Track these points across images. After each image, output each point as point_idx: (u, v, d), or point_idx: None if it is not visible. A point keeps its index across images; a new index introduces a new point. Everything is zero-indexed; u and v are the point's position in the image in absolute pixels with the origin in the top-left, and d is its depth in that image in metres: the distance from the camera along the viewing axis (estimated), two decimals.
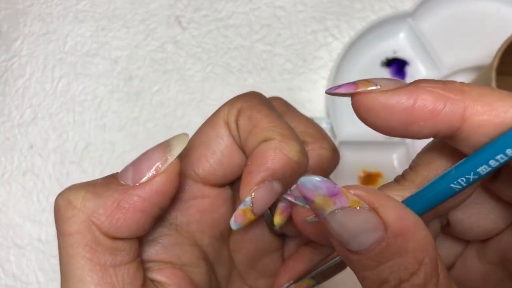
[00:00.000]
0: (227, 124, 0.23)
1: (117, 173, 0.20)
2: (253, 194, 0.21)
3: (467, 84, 0.17)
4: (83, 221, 0.19)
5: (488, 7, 0.44)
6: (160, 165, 0.20)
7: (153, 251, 0.22)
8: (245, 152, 0.22)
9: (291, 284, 0.23)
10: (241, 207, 0.21)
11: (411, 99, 0.16)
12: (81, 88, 0.45)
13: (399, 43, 0.44)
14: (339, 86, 0.18)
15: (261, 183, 0.21)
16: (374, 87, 0.17)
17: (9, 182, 0.43)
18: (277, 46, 0.45)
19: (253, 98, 0.23)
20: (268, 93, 0.43)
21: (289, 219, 0.23)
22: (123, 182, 0.20)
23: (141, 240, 0.21)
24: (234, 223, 0.21)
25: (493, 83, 0.34)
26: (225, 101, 0.46)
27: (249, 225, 0.22)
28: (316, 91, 0.44)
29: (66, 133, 0.44)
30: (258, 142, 0.21)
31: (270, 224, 0.25)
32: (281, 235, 0.26)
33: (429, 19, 0.44)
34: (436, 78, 0.42)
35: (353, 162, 0.42)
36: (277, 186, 0.21)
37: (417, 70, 0.44)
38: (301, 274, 0.23)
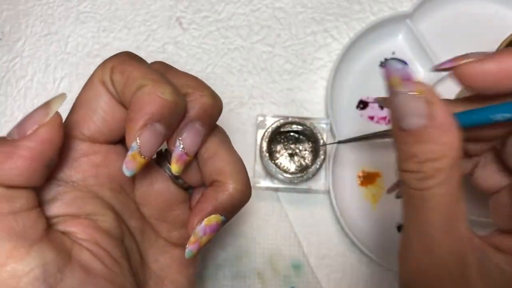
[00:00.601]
0: (103, 83, 0.24)
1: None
2: (138, 138, 0.22)
3: None
4: None
5: (486, 8, 0.45)
6: (42, 119, 0.21)
7: (54, 208, 0.23)
8: (125, 105, 0.24)
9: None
10: (129, 153, 0.22)
11: (506, 61, 0.22)
12: None
13: (397, 44, 0.45)
14: (443, 63, 0.23)
15: (144, 127, 0.22)
16: (471, 59, 0.22)
17: None
18: (277, 47, 0.45)
19: (123, 55, 0.24)
20: (268, 94, 0.44)
21: (187, 167, 0.25)
22: (9, 138, 0.21)
23: (40, 198, 0.23)
24: (126, 169, 0.23)
25: None
26: (225, 101, 0.46)
27: (142, 170, 0.24)
28: (316, 92, 0.44)
29: None
30: (134, 91, 0.22)
31: (174, 178, 0.27)
32: (187, 188, 0.27)
33: (428, 20, 0.44)
34: (434, 79, 0.43)
35: (352, 162, 0.42)
36: (159, 128, 0.22)
37: (416, 71, 0.44)
38: (209, 212, 0.25)
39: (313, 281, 0.40)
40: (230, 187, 0.25)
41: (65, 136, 0.23)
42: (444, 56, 0.43)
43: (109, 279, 0.23)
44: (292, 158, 0.40)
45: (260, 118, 0.41)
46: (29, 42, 0.46)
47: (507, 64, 0.22)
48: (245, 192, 0.25)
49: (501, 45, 0.35)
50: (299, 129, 0.40)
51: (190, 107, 0.24)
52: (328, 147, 0.40)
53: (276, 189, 0.41)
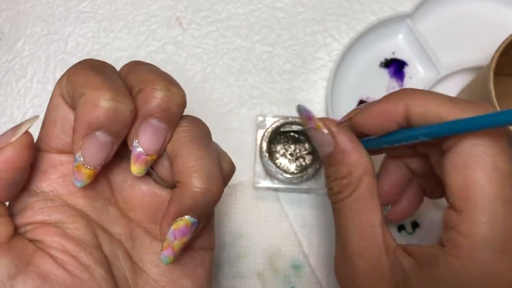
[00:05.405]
0: (61, 95, 0.24)
1: None
2: (79, 150, 0.22)
3: None
4: None
5: (487, 8, 0.45)
6: (8, 140, 0.22)
7: (24, 217, 0.24)
8: None
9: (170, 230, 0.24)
10: (74, 164, 0.23)
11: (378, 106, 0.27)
12: None
13: (398, 44, 0.45)
14: (342, 120, 0.28)
15: (85, 137, 0.22)
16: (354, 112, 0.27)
17: None
18: (277, 47, 0.45)
19: (78, 63, 0.24)
20: (268, 93, 0.44)
21: (148, 166, 0.24)
22: None
23: (13, 209, 0.24)
24: (75, 181, 0.23)
25: (491, 84, 0.34)
26: (225, 101, 0.47)
27: (121, 175, 0.25)
28: (316, 92, 0.44)
29: None
30: (77, 101, 0.22)
31: (158, 180, 0.26)
32: (173, 187, 0.25)
33: (428, 20, 0.44)
34: (435, 79, 0.43)
35: None
36: (103, 137, 0.22)
37: (416, 71, 0.44)
38: (174, 216, 0.24)
39: (313, 281, 0.39)
40: (191, 186, 0.23)
41: (36, 150, 0.24)
42: (443, 55, 0.44)
43: (72, 286, 0.23)
44: (292, 158, 0.40)
45: (260, 118, 0.41)
46: (29, 42, 0.46)
47: (379, 109, 0.25)
48: (210, 191, 0.23)
49: (501, 45, 0.35)
50: (299, 129, 0.40)
51: (144, 103, 0.23)
52: None
53: (276, 189, 0.41)
